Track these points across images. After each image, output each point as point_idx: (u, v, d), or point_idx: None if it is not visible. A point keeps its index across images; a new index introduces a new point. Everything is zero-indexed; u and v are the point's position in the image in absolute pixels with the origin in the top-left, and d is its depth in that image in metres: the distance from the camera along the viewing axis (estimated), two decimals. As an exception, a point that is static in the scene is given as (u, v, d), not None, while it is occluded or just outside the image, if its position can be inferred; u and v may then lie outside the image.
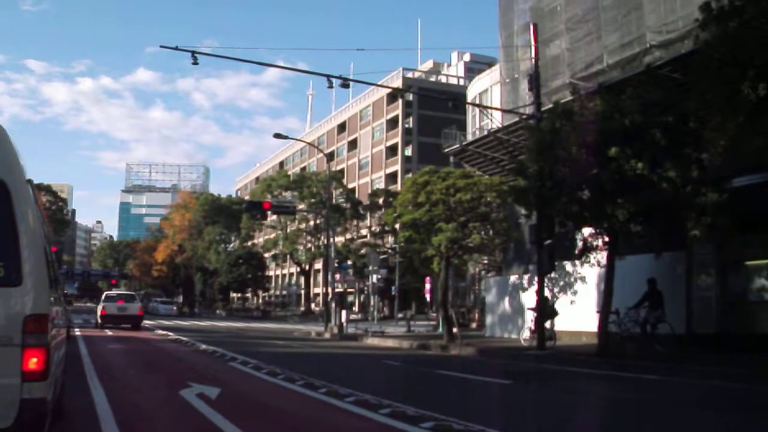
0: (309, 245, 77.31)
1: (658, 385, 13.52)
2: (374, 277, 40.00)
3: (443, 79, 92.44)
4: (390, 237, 68.48)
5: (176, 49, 18.81)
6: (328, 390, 10.85)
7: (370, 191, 78.65)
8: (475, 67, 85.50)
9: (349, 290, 67.35)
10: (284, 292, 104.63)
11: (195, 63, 18.90)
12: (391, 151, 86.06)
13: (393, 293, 58.48)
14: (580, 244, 20.41)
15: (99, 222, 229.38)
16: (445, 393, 12.30)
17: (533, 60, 21.58)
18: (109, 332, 29.27)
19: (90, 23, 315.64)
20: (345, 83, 20.35)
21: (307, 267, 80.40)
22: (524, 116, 23.97)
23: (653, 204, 16.95)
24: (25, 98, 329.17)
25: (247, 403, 10.01)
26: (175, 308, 73.54)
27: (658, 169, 16.82)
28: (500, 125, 28.44)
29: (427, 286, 46.68)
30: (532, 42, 21.90)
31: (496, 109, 27.21)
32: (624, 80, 21.22)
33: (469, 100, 38.31)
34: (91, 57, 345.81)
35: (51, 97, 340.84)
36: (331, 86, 19.92)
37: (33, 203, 5.13)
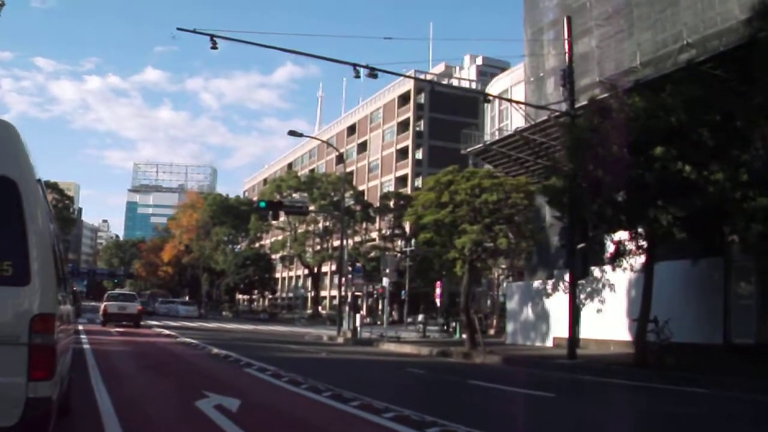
0: (317, 247, 76.49)
1: (706, 399, 12.82)
2: (386, 281, 38.96)
3: (455, 82, 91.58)
4: (400, 240, 67.56)
5: (194, 32, 17.83)
6: (361, 403, 9.80)
7: (380, 194, 77.84)
8: (487, 71, 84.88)
9: (356, 293, 66.39)
10: (291, 295, 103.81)
11: (214, 47, 17.98)
12: (402, 154, 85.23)
13: (403, 297, 57.49)
14: (612, 248, 19.43)
15: (105, 221, 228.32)
16: (487, 407, 11.40)
17: (567, 54, 20.58)
18: (113, 330, 28.67)
19: (98, 21, 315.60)
20: (372, 73, 19.37)
21: (315, 269, 79.60)
22: (555, 114, 22.95)
23: (699, 208, 15.91)
24: (32, 96, 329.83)
25: (273, 418, 8.99)
26: (196, 309, 68.71)
27: (704, 171, 15.81)
28: (525, 124, 27.44)
29: (438, 290, 45.71)
30: (566, 36, 20.91)
31: (529, 105, 26.12)
32: (661, 77, 20.18)
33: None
34: (99, 55, 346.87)
35: (59, 95, 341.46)
36: (357, 76, 19.09)
37: (43, 203, 5.15)
